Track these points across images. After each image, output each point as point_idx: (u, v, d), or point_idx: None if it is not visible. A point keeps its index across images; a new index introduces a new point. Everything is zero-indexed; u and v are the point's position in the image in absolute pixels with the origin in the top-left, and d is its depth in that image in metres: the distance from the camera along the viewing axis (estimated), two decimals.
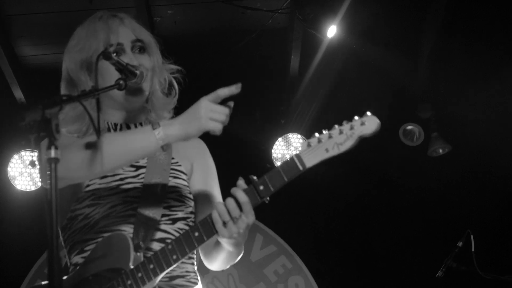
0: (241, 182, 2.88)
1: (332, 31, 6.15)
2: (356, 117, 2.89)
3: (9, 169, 7.12)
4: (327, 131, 2.88)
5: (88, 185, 3.16)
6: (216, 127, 2.82)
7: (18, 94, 7.04)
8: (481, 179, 7.92)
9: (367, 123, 2.85)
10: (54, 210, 2.27)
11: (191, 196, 3.33)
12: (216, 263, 3.35)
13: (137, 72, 3.05)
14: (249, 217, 2.86)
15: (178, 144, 3.30)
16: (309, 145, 2.86)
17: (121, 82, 2.99)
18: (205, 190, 3.42)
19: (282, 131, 7.66)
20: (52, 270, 2.23)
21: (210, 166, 3.55)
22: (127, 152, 2.90)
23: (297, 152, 2.89)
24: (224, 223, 2.85)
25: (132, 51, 3.25)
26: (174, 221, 3.19)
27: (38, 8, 6.37)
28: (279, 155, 7.61)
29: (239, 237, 2.93)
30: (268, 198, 2.86)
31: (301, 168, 2.83)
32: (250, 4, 6.49)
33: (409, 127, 7.97)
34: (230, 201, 2.85)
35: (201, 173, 3.46)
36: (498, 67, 7.24)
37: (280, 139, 7.64)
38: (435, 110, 7.94)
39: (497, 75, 7.30)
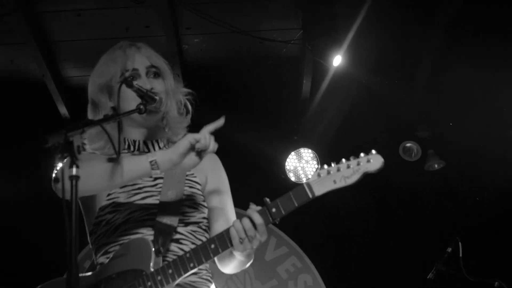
0: (253, 206, 2.95)
1: (337, 60, 6.33)
2: (362, 154, 2.91)
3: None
4: (335, 164, 2.91)
5: (109, 194, 3.23)
6: (202, 144, 2.93)
7: (63, 110, 7.25)
8: (470, 193, 8.09)
9: (373, 161, 2.89)
10: (73, 220, 2.34)
11: (204, 204, 3.36)
12: (228, 269, 3.35)
13: (157, 98, 3.10)
14: (263, 236, 2.92)
15: None
16: (319, 175, 2.90)
17: (142, 107, 3.07)
18: (218, 199, 3.44)
19: (295, 146, 7.84)
20: (70, 272, 2.28)
21: (223, 178, 3.56)
22: (131, 168, 2.98)
23: (308, 181, 2.91)
24: (241, 239, 2.90)
25: (146, 76, 3.32)
26: (187, 224, 3.24)
27: (80, 35, 6.56)
28: (292, 167, 7.79)
29: (251, 251, 3.01)
30: (278, 220, 2.91)
31: (310, 196, 2.88)
32: (267, 35, 6.66)
33: (408, 145, 8.13)
34: (246, 221, 2.89)
35: (214, 184, 3.47)
36: (488, 93, 7.43)
37: (293, 153, 7.83)
38: (431, 130, 8.07)
39: (487, 100, 7.49)
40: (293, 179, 7.83)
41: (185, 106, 3.54)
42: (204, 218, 3.36)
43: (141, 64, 3.35)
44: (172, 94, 3.43)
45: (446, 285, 6.60)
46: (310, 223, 8.00)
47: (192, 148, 2.95)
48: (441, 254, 6.38)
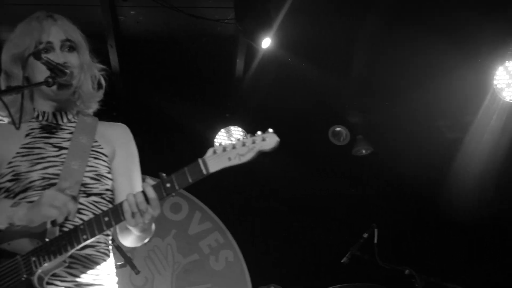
0: (149, 180, 2.88)
1: (266, 42, 6.19)
2: (259, 132, 2.84)
3: None
4: (231, 142, 2.86)
5: (10, 162, 3.15)
6: (55, 214, 2.85)
7: None
8: (393, 181, 8.09)
9: (268, 139, 2.81)
10: None
11: (109, 176, 3.29)
12: (127, 242, 3.33)
13: (67, 71, 3.05)
14: (155, 210, 2.87)
15: (104, 129, 3.40)
16: (214, 152, 2.83)
17: (50, 80, 3.01)
18: (125, 173, 3.38)
19: (226, 123, 7.76)
20: None
21: (132, 151, 3.49)
22: None
23: (203, 157, 2.83)
24: (133, 214, 2.84)
25: (61, 50, 3.22)
26: (89, 195, 3.17)
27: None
28: (221, 143, 7.61)
29: (144, 226, 2.95)
30: (173, 194, 2.85)
31: (205, 172, 2.80)
32: (203, 12, 6.50)
33: (337, 129, 8.09)
34: (139, 195, 2.84)
35: (122, 157, 3.40)
36: (417, 84, 7.37)
37: (222, 130, 7.75)
38: (362, 116, 8.07)
39: (417, 91, 7.41)
40: (228, 143, 7.69)
41: (99, 81, 3.45)
42: (107, 190, 3.29)
43: (56, 38, 3.25)
44: (86, 68, 3.35)
45: (359, 270, 6.51)
46: (236, 200, 7.98)
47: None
48: (356, 239, 6.31)
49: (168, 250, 8.03)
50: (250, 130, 7.59)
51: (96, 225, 2.90)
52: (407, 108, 7.73)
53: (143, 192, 2.86)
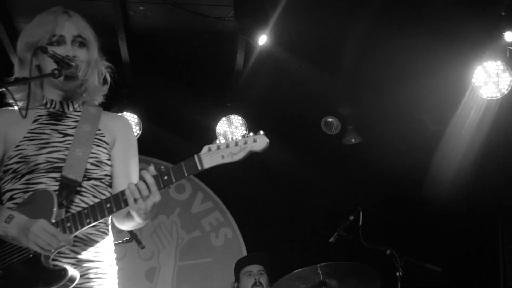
0: (151, 168, 2.91)
1: (262, 39, 6.13)
2: (251, 134, 2.88)
3: None
4: (225, 141, 2.89)
5: (17, 146, 3.17)
6: (37, 249, 2.88)
7: (14, 59, 6.91)
8: (379, 168, 7.98)
9: (258, 141, 2.84)
10: None
11: (108, 162, 3.30)
12: (124, 226, 3.33)
13: (73, 64, 3.05)
14: (156, 196, 2.89)
15: (107, 119, 3.39)
16: (209, 149, 2.85)
17: (56, 71, 2.99)
18: (123, 160, 3.37)
19: (226, 112, 7.68)
20: None
21: (131, 141, 3.47)
22: None
23: (199, 154, 2.85)
24: (135, 200, 2.87)
25: (72, 44, 3.21)
26: (90, 179, 3.18)
27: None
28: (222, 131, 7.61)
29: (147, 214, 2.97)
30: (170, 187, 2.94)
31: (199, 168, 2.83)
32: (205, 9, 6.46)
33: (329, 119, 8.01)
34: (140, 182, 2.86)
35: (121, 146, 3.39)
36: (404, 80, 7.32)
37: (224, 118, 7.66)
38: (352, 108, 7.99)
39: (403, 86, 7.38)
40: (222, 141, 7.64)
41: (105, 77, 3.44)
42: (106, 175, 3.30)
43: (69, 32, 3.23)
44: (94, 64, 3.34)
45: (345, 249, 6.56)
46: (236, 183, 7.90)
47: None
48: (344, 220, 6.25)
49: (173, 227, 8.02)
50: (249, 118, 7.63)
51: (99, 210, 2.93)
52: (394, 101, 7.69)
53: (144, 180, 2.88)
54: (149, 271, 7.88)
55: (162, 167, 2.91)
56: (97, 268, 3.15)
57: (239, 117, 7.68)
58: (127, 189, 2.89)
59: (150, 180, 2.87)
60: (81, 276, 3.05)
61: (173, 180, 2.88)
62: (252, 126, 7.64)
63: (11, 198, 3.16)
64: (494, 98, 6.74)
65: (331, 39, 6.93)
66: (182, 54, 7.18)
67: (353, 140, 8.14)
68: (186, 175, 2.88)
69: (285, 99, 7.77)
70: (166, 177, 2.88)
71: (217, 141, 2.89)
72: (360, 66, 7.31)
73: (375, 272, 5.77)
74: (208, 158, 2.85)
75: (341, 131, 8.07)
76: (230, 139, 2.91)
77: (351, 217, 6.24)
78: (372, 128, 8.09)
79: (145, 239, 7.62)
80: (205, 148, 2.88)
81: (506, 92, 6.65)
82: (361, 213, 6.18)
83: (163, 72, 7.52)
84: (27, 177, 3.12)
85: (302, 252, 7.52)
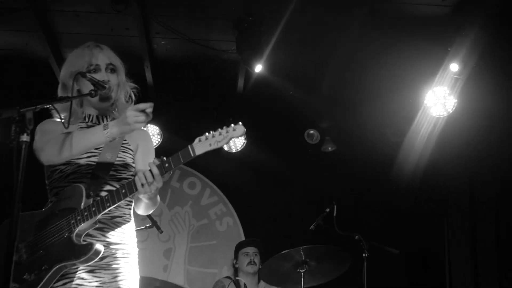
0: (155, 160, 2.93)
1: (258, 68, 6.17)
2: (232, 125, 2.92)
3: None
4: (212, 132, 2.90)
5: None
6: (140, 125, 2.94)
7: None
8: (351, 170, 8.09)
9: (237, 130, 2.90)
10: (20, 176, 2.39)
11: (133, 165, 3.32)
12: (140, 210, 3.36)
13: (106, 86, 3.08)
14: (159, 182, 2.92)
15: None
16: (199, 140, 2.88)
17: (92, 92, 3.04)
18: (143, 163, 3.34)
19: (229, 125, 7.64)
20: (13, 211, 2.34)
21: (150, 147, 3.48)
22: (87, 142, 3.01)
23: (191, 144, 2.89)
24: (142, 185, 2.90)
25: (105, 71, 3.25)
26: (120, 179, 3.21)
27: (78, 30, 6.32)
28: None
29: (151, 195, 3.01)
30: (171, 172, 2.93)
31: (192, 155, 2.86)
32: (213, 44, 6.51)
33: (311, 132, 8.04)
34: (147, 171, 2.90)
35: (143, 151, 3.41)
36: (372, 100, 7.38)
37: None
38: (330, 121, 8.03)
39: (371, 104, 7.44)
40: (226, 148, 7.71)
41: (130, 95, 3.46)
42: (132, 175, 3.28)
43: (102, 61, 3.28)
44: (122, 86, 3.38)
45: (322, 235, 6.53)
46: (237, 181, 7.93)
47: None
48: (321, 212, 6.32)
49: (186, 216, 8.02)
50: (247, 130, 7.58)
51: (116, 195, 2.96)
52: (364, 117, 7.70)
53: (150, 170, 2.91)
54: (167, 251, 7.88)
55: (164, 157, 2.94)
56: (123, 249, 3.17)
57: None
58: (136, 177, 2.93)
59: (155, 170, 2.90)
60: (109, 256, 3.09)
61: (172, 166, 2.91)
62: (250, 136, 7.68)
63: (56, 194, 3.17)
64: (441, 116, 6.79)
65: (314, 66, 6.96)
66: (195, 78, 7.23)
67: (329, 148, 8.11)
68: (182, 161, 2.90)
69: (276, 114, 7.78)
70: (167, 165, 2.90)
71: (206, 134, 2.90)
72: (337, 88, 7.30)
73: (346, 254, 5.77)
74: (199, 146, 2.88)
75: (320, 141, 8.06)
76: (217, 130, 2.92)
77: (327, 210, 6.28)
78: (345, 138, 8.08)
79: (164, 225, 7.66)
80: (196, 139, 2.91)
81: (451, 111, 6.70)
82: (335, 207, 6.23)
83: (179, 93, 7.55)
84: (71, 176, 3.16)
85: (288, 237, 7.47)
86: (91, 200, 3.03)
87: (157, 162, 2.93)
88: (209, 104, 7.63)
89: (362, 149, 7.94)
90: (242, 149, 7.76)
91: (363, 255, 5.97)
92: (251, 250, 6.73)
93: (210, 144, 2.88)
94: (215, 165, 7.75)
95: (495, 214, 6.83)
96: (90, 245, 2.95)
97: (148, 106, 2.94)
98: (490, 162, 6.99)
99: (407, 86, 6.95)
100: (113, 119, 3.38)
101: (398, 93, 7.10)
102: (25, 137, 2.43)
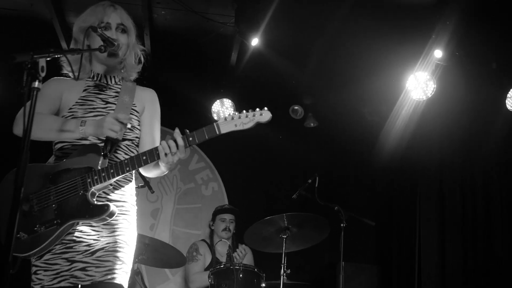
0: (177, 130, 2.88)
1: (255, 41, 6.07)
2: (258, 109, 2.88)
3: None
4: (238, 113, 2.88)
5: (70, 109, 3.11)
6: (113, 134, 2.88)
7: (64, 45, 6.66)
8: (331, 145, 8.05)
9: (264, 115, 2.88)
10: (29, 121, 2.29)
11: (138, 127, 3.21)
12: (151, 174, 3.23)
13: (115, 43, 3.00)
14: (182, 154, 2.87)
15: (139, 91, 3.31)
16: (225, 119, 2.86)
17: (102, 47, 2.93)
18: (149, 124, 3.28)
19: (220, 96, 7.57)
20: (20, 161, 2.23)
21: (156, 109, 3.37)
22: (60, 132, 2.95)
23: (217, 122, 2.86)
24: (166, 154, 2.85)
25: (116, 30, 3.17)
26: (124, 139, 3.10)
27: None
28: (215, 110, 7.50)
29: (172, 165, 2.94)
30: (193, 146, 2.90)
31: (217, 132, 2.84)
32: (212, 16, 6.34)
33: (295, 107, 7.93)
34: (171, 141, 2.85)
35: (149, 113, 3.30)
36: (354, 80, 7.28)
37: (217, 101, 7.54)
38: (313, 99, 7.92)
39: (353, 84, 7.34)
40: (215, 118, 7.57)
41: (139, 58, 3.36)
42: (136, 137, 3.21)
43: (114, 21, 3.18)
44: (131, 47, 3.28)
45: (304, 204, 6.53)
46: (223, 149, 7.75)
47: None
48: (303, 183, 6.30)
49: (174, 179, 7.91)
50: (237, 101, 7.52)
51: (136, 161, 2.89)
52: (345, 96, 7.63)
53: (175, 140, 2.85)
54: (154, 211, 7.78)
55: (187, 130, 2.87)
56: (122, 206, 3.06)
57: (229, 100, 7.56)
58: (160, 146, 2.86)
59: (180, 141, 2.85)
60: None
61: (196, 141, 2.86)
62: (239, 107, 7.57)
63: (60, 148, 3.10)
64: (421, 100, 6.74)
65: (303, 45, 6.85)
66: (191, 49, 7.05)
67: (312, 124, 8.06)
68: (206, 138, 2.85)
69: (265, 89, 7.67)
70: (191, 138, 2.85)
71: (231, 113, 2.87)
72: (322, 66, 7.21)
73: (326, 221, 5.76)
74: (225, 125, 2.84)
75: (303, 116, 8.00)
76: (243, 112, 2.88)
77: (309, 180, 6.26)
78: (327, 115, 8.01)
79: (153, 186, 7.46)
80: (222, 118, 2.87)
81: (430, 96, 6.67)
82: (317, 178, 6.21)
83: (176, 61, 7.40)
84: None
85: (272, 204, 7.52)
86: (106, 161, 2.96)
87: (179, 132, 2.88)
88: (202, 75, 7.51)
89: (341, 126, 7.91)
90: None
91: (341, 225, 5.98)
92: (228, 216, 6.71)
93: (235, 125, 2.85)
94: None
95: (460, 194, 6.91)
96: (106, 206, 2.88)
97: (127, 119, 2.93)
98: (460, 146, 7.05)
99: (390, 69, 6.91)
100: (122, 78, 3.35)
101: (381, 74, 7.05)
102: (36, 84, 2.34)
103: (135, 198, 3.20)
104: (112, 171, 2.88)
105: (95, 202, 2.89)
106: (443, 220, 6.82)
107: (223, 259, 6.22)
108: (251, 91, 7.67)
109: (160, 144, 2.87)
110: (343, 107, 7.82)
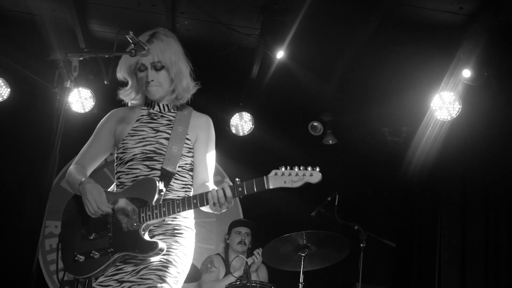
0: (227, 180, 2.89)
1: (280, 54, 5.95)
2: (309, 168, 2.83)
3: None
4: (290, 169, 2.81)
5: (124, 139, 3.20)
6: (87, 211, 2.96)
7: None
8: (350, 162, 7.85)
9: (314, 175, 2.85)
10: (60, 124, 2.26)
11: (188, 154, 3.21)
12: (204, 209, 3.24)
13: (146, 48, 2.89)
14: (230, 204, 2.90)
15: (194, 117, 3.36)
16: (276, 174, 2.81)
17: (132, 51, 2.85)
18: (203, 151, 3.28)
19: (239, 109, 7.43)
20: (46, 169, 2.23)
21: (210, 137, 3.37)
22: (71, 184, 3.14)
23: (268, 176, 2.82)
24: (214, 203, 2.87)
25: (151, 69, 3.19)
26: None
27: (106, 2, 6.01)
28: (234, 123, 7.36)
29: (219, 212, 2.98)
30: (241, 196, 2.85)
31: (266, 187, 2.81)
32: (236, 28, 6.22)
33: (315, 124, 7.78)
34: (220, 192, 2.85)
35: (203, 140, 3.31)
36: (376, 99, 7.16)
37: (236, 114, 7.40)
38: (333, 116, 7.78)
39: (374, 104, 7.22)
40: (233, 131, 7.43)
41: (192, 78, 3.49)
42: (186, 163, 3.21)
43: (147, 61, 3.17)
44: (177, 76, 3.31)
45: (323, 222, 6.34)
46: (240, 163, 7.55)
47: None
48: (323, 201, 6.21)
49: None
50: (256, 116, 7.34)
51: (187, 204, 2.92)
52: (366, 114, 7.48)
53: (223, 190, 2.85)
54: None
55: (238, 179, 2.87)
56: (173, 229, 3.14)
57: (249, 114, 7.41)
58: (210, 194, 2.88)
59: (229, 193, 2.86)
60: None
61: (245, 193, 2.85)
62: (257, 122, 7.44)
63: (118, 178, 3.18)
64: (445, 120, 6.58)
65: (327, 61, 6.72)
66: (212, 60, 6.92)
67: (330, 141, 7.90)
68: (255, 191, 2.83)
69: (285, 104, 7.56)
70: (240, 189, 2.85)
71: (283, 169, 2.82)
72: (345, 83, 7.09)
73: (347, 241, 5.57)
74: (274, 180, 2.82)
75: (322, 133, 7.84)
76: (294, 168, 2.83)
77: (329, 198, 6.16)
78: (346, 132, 7.87)
79: None
80: (272, 172, 2.83)
81: (455, 116, 6.50)
82: (337, 196, 6.10)
83: (195, 73, 7.23)
84: (128, 163, 3.14)
85: (291, 222, 7.27)
86: (161, 198, 2.99)
87: (229, 183, 2.89)
88: (221, 87, 7.34)
89: (361, 144, 7.73)
90: (249, 133, 7.45)
91: (361, 245, 5.82)
92: (243, 230, 6.57)
93: (285, 182, 2.81)
94: (220, 145, 7.39)
95: (484, 220, 6.68)
96: (155, 244, 2.93)
97: (107, 211, 2.97)
98: (482, 166, 6.84)
99: (415, 89, 6.77)
100: (175, 106, 3.35)
101: (404, 94, 6.92)
102: (68, 84, 2.32)
103: (193, 221, 3.25)
104: (164, 209, 2.92)
105: (146, 238, 2.95)
106: (464, 246, 6.58)
107: (236, 274, 6.08)
108: (270, 106, 7.52)
109: (211, 192, 2.87)
110: (364, 125, 7.65)
